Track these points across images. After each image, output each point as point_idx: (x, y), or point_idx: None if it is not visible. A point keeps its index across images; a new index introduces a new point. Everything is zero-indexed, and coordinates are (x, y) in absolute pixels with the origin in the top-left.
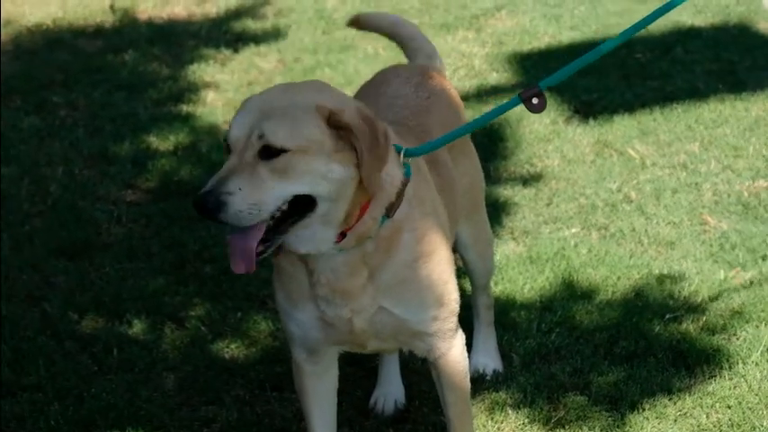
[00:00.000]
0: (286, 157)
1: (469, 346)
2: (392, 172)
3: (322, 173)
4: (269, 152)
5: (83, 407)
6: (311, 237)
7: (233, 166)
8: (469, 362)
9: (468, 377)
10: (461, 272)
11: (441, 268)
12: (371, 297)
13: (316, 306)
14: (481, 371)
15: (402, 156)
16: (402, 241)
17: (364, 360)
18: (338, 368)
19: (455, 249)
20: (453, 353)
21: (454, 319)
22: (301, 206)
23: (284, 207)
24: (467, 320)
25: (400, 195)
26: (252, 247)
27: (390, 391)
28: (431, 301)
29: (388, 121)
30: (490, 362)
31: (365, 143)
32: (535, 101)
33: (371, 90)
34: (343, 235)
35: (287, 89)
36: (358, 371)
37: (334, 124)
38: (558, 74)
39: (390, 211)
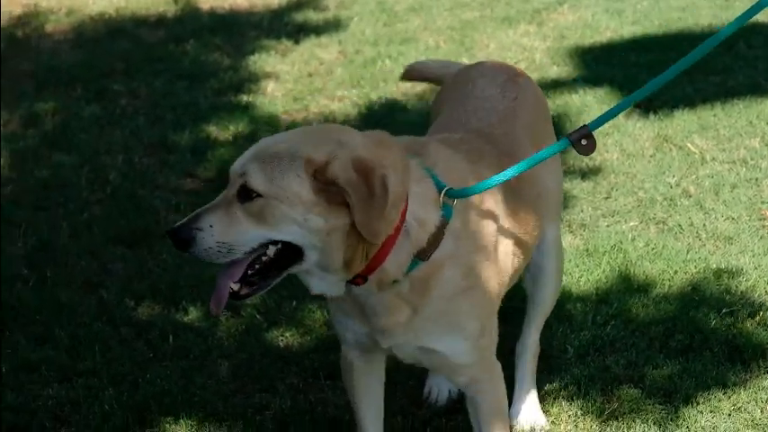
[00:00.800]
0: (260, 201)
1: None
2: (422, 215)
3: (299, 222)
4: (246, 193)
5: (137, 392)
6: (319, 282)
7: (215, 202)
8: (509, 416)
9: (507, 417)
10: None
11: (485, 300)
12: (414, 336)
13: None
14: (523, 427)
15: (443, 196)
16: (443, 278)
17: None
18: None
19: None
20: (492, 387)
21: (492, 352)
22: (290, 253)
23: (270, 253)
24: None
25: (436, 238)
26: (223, 289)
27: (444, 381)
28: (470, 332)
29: (475, 130)
30: (532, 418)
31: (357, 195)
32: (584, 142)
33: (456, 92)
34: (364, 279)
35: (298, 134)
36: None
37: (322, 180)
38: (606, 114)
39: (423, 254)
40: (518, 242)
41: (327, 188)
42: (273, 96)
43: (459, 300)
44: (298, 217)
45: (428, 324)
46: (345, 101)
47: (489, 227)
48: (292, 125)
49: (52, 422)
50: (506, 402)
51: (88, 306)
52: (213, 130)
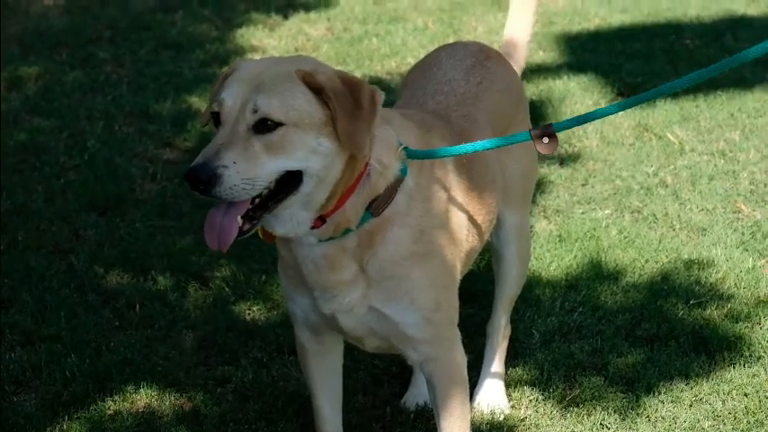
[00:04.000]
0: (281, 131)
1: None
2: (385, 161)
3: (312, 147)
4: (264, 126)
5: (99, 360)
6: (289, 217)
7: (225, 139)
8: (472, 397)
9: (468, 401)
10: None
11: (440, 271)
12: (363, 296)
13: (312, 293)
14: (483, 409)
15: (400, 152)
16: (389, 236)
17: None
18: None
19: (488, 249)
20: (449, 364)
21: (452, 329)
22: (287, 184)
23: (272, 184)
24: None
25: (390, 191)
26: (231, 225)
27: (422, 393)
28: (423, 303)
29: (430, 111)
30: (494, 400)
31: (342, 103)
32: (545, 140)
33: (422, 72)
34: (323, 221)
35: (274, 62)
36: None
37: (311, 86)
38: (575, 119)
39: (374, 207)
40: (471, 219)
41: (327, 104)
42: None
43: (408, 265)
44: (312, 141)
45: (378, 289)
46: None
47: (442, 195)
48: None
49: (13, 386)
50: (466, 387)
51: (57, 271)
52: (195, 101)
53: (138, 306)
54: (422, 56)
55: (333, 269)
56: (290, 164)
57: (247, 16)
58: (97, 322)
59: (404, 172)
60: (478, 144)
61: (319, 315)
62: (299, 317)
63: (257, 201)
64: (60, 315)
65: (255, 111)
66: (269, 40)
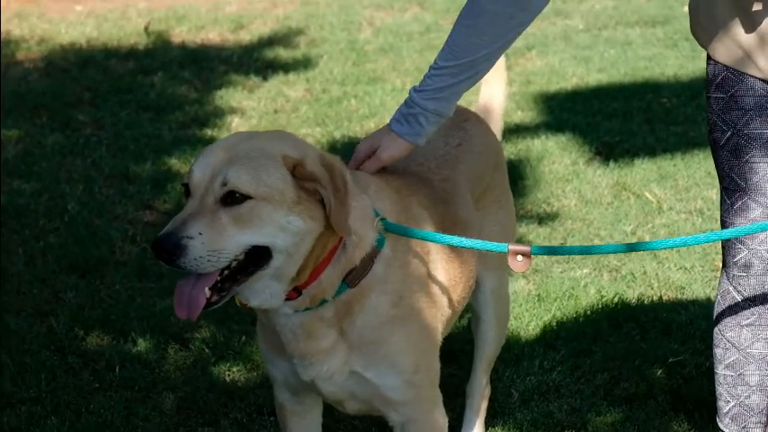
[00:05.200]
0: (249, 204)
1: None
2: (361, 232)
3: (281, 224)
4: (232, 198)
5: (79, 422)
6: (261, 289)
7: (193, 210)
8: None
9: None
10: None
11: (420, 334)
12: (343, 362)
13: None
14: None
15: (377, 223)
16: (368, 305)
17: None
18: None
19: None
20: (430, 425)
21: (433, 391)
22: (257, 258)
23: (241, 257)
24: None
25: (366, 262)
26: (198, 295)
27: None
28: (404, 366)
29: (411, 173)
30: None
31: (329, 189)
32: (520, 259)
33: None
34: (298, 292)
35: (251, 136)
36: None
37: (300, 175)
38: (553, 248)
39: (351, 278)
40: (451, 283)
41: (304, 185)
42: (237, 131)
43: (388, 329)
44: (281, 218)
45: (359, 354)
46: (309, 139)
47: (420, 261)
48: None
49: None
50: None
51: (37, 334)
52: (175, 162)
53: (117, 368)
54: None
55: (311, 338)
56: (257, 239)
57: (226, 78)
58: (77, 384)
59: (380, 242)
60: (455, 240)
61: (299, 379)
62: (279, 379)
63: (226, 273)
64: (41, 377)
65: (225, 183)
66: (248, 101)
